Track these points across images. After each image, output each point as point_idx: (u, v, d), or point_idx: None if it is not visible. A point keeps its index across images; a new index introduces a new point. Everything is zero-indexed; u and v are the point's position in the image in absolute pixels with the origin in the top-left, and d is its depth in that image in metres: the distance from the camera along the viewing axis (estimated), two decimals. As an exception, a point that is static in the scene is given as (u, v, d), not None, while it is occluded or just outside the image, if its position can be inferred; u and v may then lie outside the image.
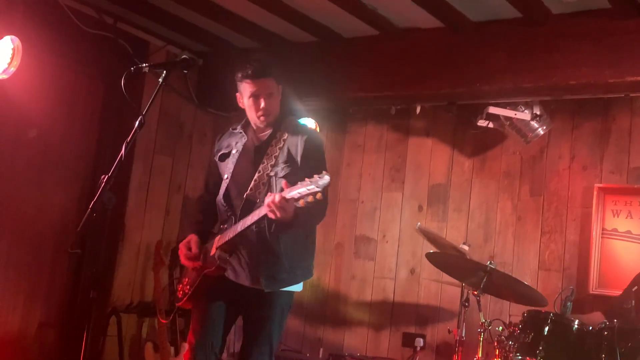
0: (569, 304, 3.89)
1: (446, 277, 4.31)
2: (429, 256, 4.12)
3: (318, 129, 5.17)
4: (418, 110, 5.05)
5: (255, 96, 3.37)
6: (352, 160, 5.54)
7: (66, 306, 4.90)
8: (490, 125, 4.80)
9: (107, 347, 4.95)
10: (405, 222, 5.23)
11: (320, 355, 5.08)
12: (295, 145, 3.36)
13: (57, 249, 4.83)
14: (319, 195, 2.84)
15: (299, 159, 3.32)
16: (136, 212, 5.20)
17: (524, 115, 4.57)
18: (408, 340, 4.91)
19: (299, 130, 3.45)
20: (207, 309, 3.42)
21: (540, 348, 3.64)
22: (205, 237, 3.49)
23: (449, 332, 4.13)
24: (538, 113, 4.58)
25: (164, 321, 3.75)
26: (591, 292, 4.39)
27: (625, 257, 4.37)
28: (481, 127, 4.81)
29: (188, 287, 3.47)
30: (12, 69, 4.13)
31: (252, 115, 3.43)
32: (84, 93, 5.02)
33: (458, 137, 5.14)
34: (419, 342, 4.84)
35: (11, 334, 4.63)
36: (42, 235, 4.78)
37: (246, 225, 3.21)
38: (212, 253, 3.36)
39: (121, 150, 2.77)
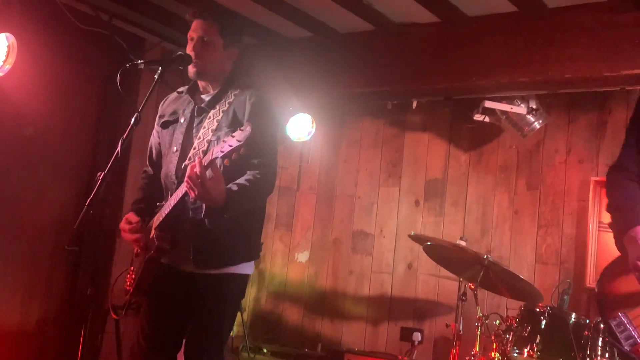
0: (565, 297, 3.89)
1: (443, 272, 4.32)
2: (426, 249, 4.12)
3: (315, 125, 5.16)
4: (414, 105, 5.05)
5: (190, 39, 3.04)
6: (349, 156, 5.55)
7: (64, 303, 4.91)
8: (487, 119, 4.81)
9: (105, 344, 4.95)
10: (402, 217, 5.24)
11: (319, 350, 5.09)
12: (242, 106, 2.96)
13: (55, 245, 4.84)
14: (242, 150, 2.52)
15: (245, 121, 2.87)
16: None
17: (520, 109, 4.57)
18: (406, 335, 4.93)
19: (247, 90, 3.01)
20: (155, 302, 3.07)
21: (537, 342, 3.64)
22: (150, 217, 3.08)
23: (447, 326, 4.14)
24: (534, 107, 4.59)
25: (116, 317, 3.40)
26: (588, 285, 4.41)
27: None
28: (477, 121, 4.83)
29: (134, 276, 3.08)
30: (8, 67, 4.12)
31: None
32: (80, 90, 5.02)
33: (454, 131, 5.15)
34: (417, 336, 4.85)
35: (10, 330, 4.65)
36: (40, 233, 4.79)
37: (172, 205, 2.86)
38: (151, 235, 3.00)
39: (118, 147, 2.75)
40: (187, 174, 2.63)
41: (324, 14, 4.56)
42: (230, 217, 2.78)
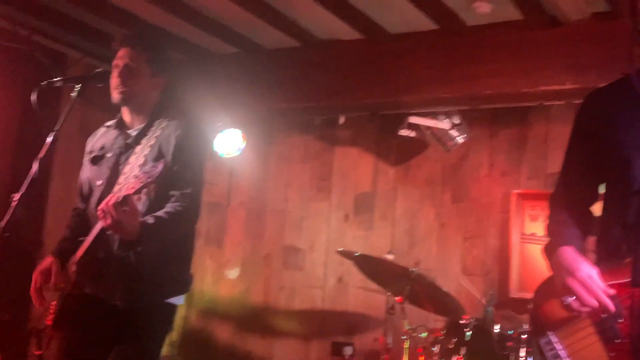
0: (489, 309, 3.97)
1: (374, 285, 4.35)
2: (356, 263, 4.14)
3: (244, 141, 5.14)
4: (342, 120, 5.09)
5: (115, 67, 2.97)
6: (279, 171, 5.55)
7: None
8: (412, 134, 4.88)
9: (28, 369, 4.79)
10: (332, 231, 5.26)
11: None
12: (168, 139, 2.90)
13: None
14: (153, 187, 2.57)
15: (170, 156, 2.84)
16: (55, 229, 5.04)
17: (444, 124, 4.66)
18: (337, 349, 4.92)
19: (174, 121, 2.95)
20: (77, 335, 2.92)
21: (463, 353, 3.71)
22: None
23: (375, 340, 4.16)
24: (457, 122, 4.68)
25: (37, 352, 3.12)
26: (511, 295, 4.51)
27: (544, 260, 4.48)
28: (403, 136, 4.89)
29: (54, 310, 2.97)
30: None
31: None
32: (-2, 109, 4.85)
33: (382, 146, 5.21)
34: (348, 350, 4.85)
35: None
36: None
37: (90, 240, 2.79)
38: (71, 270, 2.91)
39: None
40: (99, 207, 2.62)
41: (250, 30, 4.57)
42: (155, 250, 2.76)
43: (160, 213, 2.79)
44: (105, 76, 2.96)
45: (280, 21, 4.33)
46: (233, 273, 5.54)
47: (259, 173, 5.61)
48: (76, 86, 2.87)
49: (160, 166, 2.54)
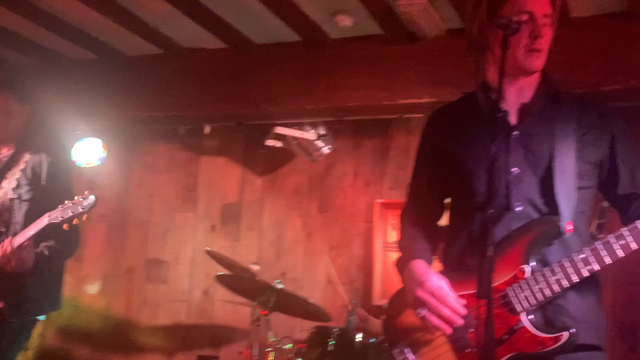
0: (352, 317, 4.03)
1: (240, 297, 4.30)
2: (219, 278, 4.09)
3: (105, 150, 4.96)
4: (207, 130, 5.02)
5: None
6: (143, 181, 5.39)
7: None
8: (279, 144, 4.88)
9: None
10: (198, 243, 5.16)
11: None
12: (39, 165, 3.15)
13: None
14: (84, 217, 2.80)
15: (44, 181, 3.13)
16: None
17: (310, 135, 4.69)
18: (203, 363, 4.85)
19: (43, 149, 3.19)
20: None
21: (327, 363, 3.74)
22: None
23: (240, 353, 4.12)
24: (323, 133, 4.72)
25: None
26: (375, 303, 4.60)
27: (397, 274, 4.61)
28: (270, 146, 4.88)
29: None
30: None
31: None
32: None
33: (249, 156, 5.17)
34: (214, 364, 4.79)
35: None
36: None
37: None
38: None
39: None
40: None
41: (108, 36, 4.41)
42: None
43: (51, 242, 3.05)
44: None
45: (141, 28, 4.20)
46: (93, 288, 5.32)
47: (121, 183, 5.42)
48: None
49: (92, 197, 2.84)
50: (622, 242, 1.87)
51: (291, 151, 5.01)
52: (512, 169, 2.04)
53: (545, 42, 2.05)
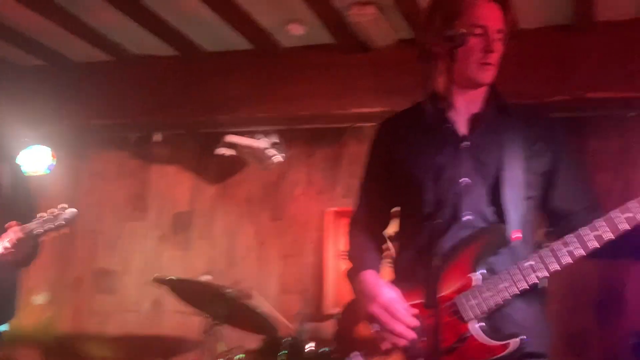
0: (303, 327, 4.01)
1: (190, 307, 4.24)
2: (171, 288, 4.02)
3: (54, 159, 4.86)
4: (158, 138, 4.96)
5: None
6: (92, 189, 5.29)
7: None
8: (231, 152, 4.85)
9: None
10: (148, 252, 5.09)
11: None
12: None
13: None
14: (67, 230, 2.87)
15: (6, 190, 3.14)
16: None
17: (262, 143, 4.67)
18: (153, 375, 4.77)
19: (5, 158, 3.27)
20: None
21: (279, 373, 3.71)
22: None
23: (190, 364, 4.07)
24: (275, 141, 4.71)
25: None
26: (327, 312, 4.59)
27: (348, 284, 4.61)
28: (222, 154, 4.85)
29: None
30: None
31: None
32: None
33: (201, 164, 5.12)
34: (164, 375, 4.72)
35: None
36: None
37: None
38: None
39: None
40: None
41: (57, 43, 4.33)
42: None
43: None
44: None
45: (90, 34, 4.13)
46: (40, 299, 5.19)
47: (69, 192, 5.31)
48: None
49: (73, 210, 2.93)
50: (568, 248, 1.91)
51: (243, 159, 4.98)
52: (462, 180, 2.06)
53: (496, 56, 2.09)
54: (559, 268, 1.92)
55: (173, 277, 3.96)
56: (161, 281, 4.17)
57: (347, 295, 4.39)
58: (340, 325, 2.27)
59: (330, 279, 4.65)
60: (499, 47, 2.09)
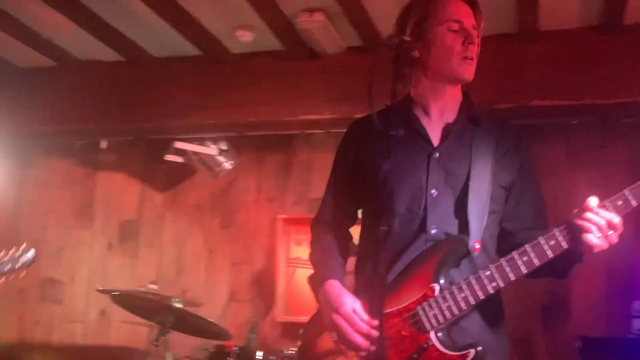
0: (252, 335, 3.98)
1: (137, 317, 4.17)
2: (116, 298, 3.94)
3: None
4: (104, 145, 4.88)
5: None
6: (36, 197, 5.17)
7: None
8: (179, 159, 4.79)
9: None
10: (95, 262, 5.00)
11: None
12: None
13: None
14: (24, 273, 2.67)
15: None
16: None
17: (211, 150, 4.63)
18: (99, 386, 4.67)
19: None
20: None
21: (224, 383, 3.67)
22: None
23: (137, 375, 3.99)
24: (224, 148, 4.67)
25: None
26: (277, 320, 4.56)
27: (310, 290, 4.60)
28: (171, 161, 4.78)
29: None
30: None
31: None
32: None
33: (148, 171, 5.05)
34: (111, 386, 4.62)
35: None
36: None
37: None
38: None
39: None
40: None
41: (-2, 47, 4.22)
42: None
43: None
44: None
45: (32, 39, 4.04)
46: (-18, 310, 5.05)
47: (13, 200, 5.19)
48: None
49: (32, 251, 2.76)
50: (525, 258, 1.92)
51: (192, 166, 4.92)
52: (432, 191, 2.05)
53: (476, 50, 2.09)
54: (515, 278, 1.92)
55: (116, 291, 3.88)
56: (105, 292, 4.10)
57: (299, 302, 4.41)
58: (303, 341, 2.23)
59: (281, 287, 4.62)
60: (477, 41, 2.09)
